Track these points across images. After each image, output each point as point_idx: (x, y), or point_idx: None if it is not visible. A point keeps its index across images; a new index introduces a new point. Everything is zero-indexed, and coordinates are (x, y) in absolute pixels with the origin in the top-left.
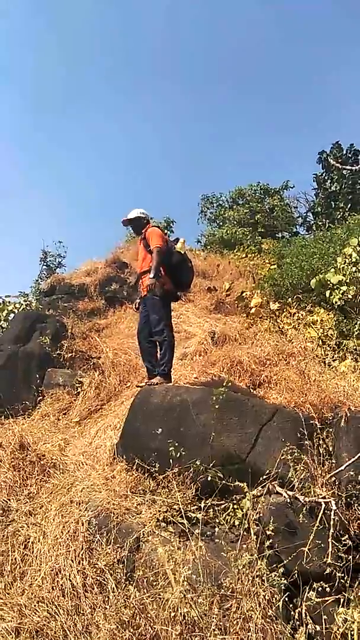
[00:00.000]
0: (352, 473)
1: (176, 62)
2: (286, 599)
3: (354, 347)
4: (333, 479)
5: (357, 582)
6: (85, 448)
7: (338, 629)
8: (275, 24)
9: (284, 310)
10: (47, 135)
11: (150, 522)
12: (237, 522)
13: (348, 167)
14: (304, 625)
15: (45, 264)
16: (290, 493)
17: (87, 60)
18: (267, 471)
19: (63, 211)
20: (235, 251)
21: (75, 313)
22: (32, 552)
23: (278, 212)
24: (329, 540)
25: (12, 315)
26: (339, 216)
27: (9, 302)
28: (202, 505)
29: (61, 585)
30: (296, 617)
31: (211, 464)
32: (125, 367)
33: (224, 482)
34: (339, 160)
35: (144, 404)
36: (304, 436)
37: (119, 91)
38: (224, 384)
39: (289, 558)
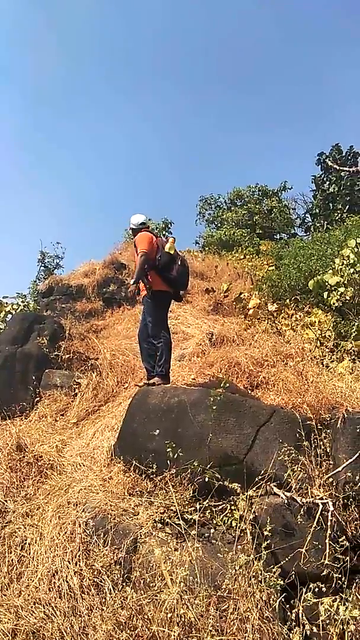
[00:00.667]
0: (349, 474)
1: (176, 62)
2: (283, 599)
3: (352, 349)
4: (330, 480)
5: (354, 583)
6: (82, 449)
7: (335, 630)
8: (275, 24)
9: (282, 311)
10: (47, 135)
11: (147, 524)
12: (234, 523)
13: (347, 169)
14: (301, 626)
15: (43, 264)
16: (288, 494)
17: (87, 60)
18: (265, 472)
19: (63, 211)
20: (233, 252)
21: (73, 314)
22: (29, 553)
23: (276, 213)
24: (326, 541)
25: (9, 316)
26: (337, 218)
27: (7, 302)
28: (199, 506)
29: (58, 586)
30: (293, 618)
31: (208, 465)
32: (122, 368)
33: (221, 483)
34: (338, 162)
35: (141, 404)
36: (302, 437)
37: (119, 91)
38: (222, 385)
39: (286, 559)
